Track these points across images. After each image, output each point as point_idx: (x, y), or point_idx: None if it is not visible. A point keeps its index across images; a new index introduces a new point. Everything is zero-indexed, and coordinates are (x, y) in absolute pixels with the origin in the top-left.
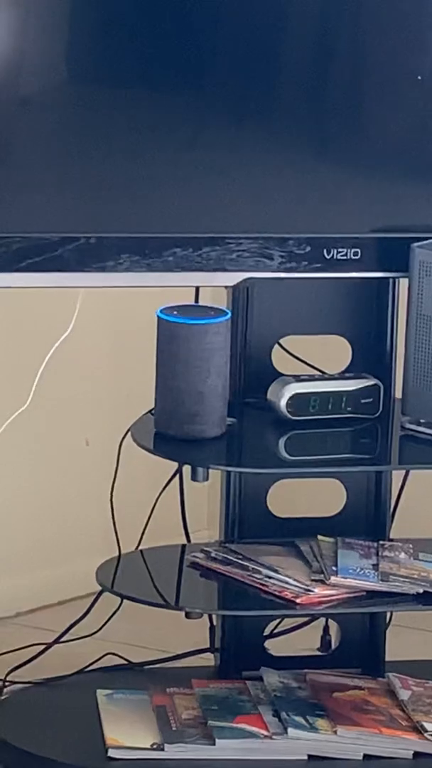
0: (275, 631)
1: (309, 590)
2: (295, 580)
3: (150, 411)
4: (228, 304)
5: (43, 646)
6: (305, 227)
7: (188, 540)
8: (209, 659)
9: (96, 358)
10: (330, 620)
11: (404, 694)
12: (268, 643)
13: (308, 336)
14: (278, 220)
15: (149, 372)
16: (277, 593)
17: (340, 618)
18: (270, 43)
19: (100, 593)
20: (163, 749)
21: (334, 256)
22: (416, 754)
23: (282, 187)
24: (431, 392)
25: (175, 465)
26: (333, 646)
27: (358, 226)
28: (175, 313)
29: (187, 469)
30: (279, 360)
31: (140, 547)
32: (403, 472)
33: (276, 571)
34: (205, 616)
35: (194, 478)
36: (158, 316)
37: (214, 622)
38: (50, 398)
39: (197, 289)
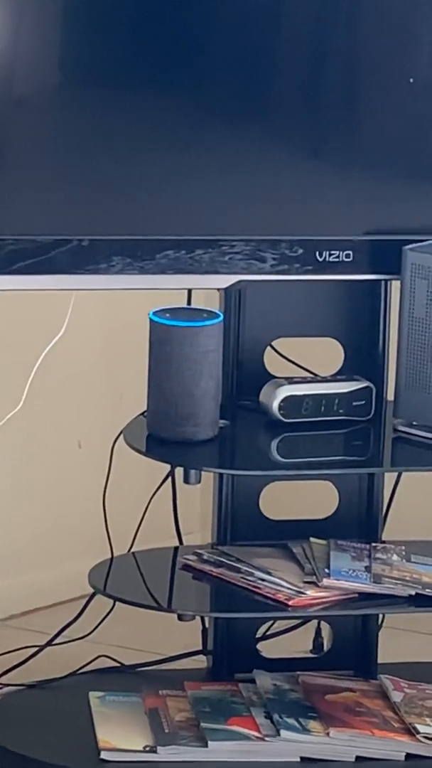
0: (268, 633)
1: (301, 592)
2: (287, 582)
3: (142, 413)
4: (220, 306)
5: (35, 649)
6: (297, 230)
7: (180, 542)
8: (202, 661)
9: (88, 360)
10: (322, 622)
11: (396, 696)
12: (260, 645)
13: (300, 338)
14: (271, 222)
15: (142, 374)
16: (269, 595)
17: (332, 620)
18: (264, 45)
19: (92, 595)
20: (155, 751)
21: (327, 259)
22: (408, 756)
23: (274, 189)
24: (423, 394)
25: (167, 467)
26: (325, 648)
27: (351, 229)
28: (167, 315)
29: (179, 472)
30: (271, 362)
31: (133, 550)
32: (396, 474)
33: (268, 573)
34: (198, 619)
35: (186, 480)
36: (151, 319)
37: (207, 625)
38: (43, 400)
39: (189, 291)
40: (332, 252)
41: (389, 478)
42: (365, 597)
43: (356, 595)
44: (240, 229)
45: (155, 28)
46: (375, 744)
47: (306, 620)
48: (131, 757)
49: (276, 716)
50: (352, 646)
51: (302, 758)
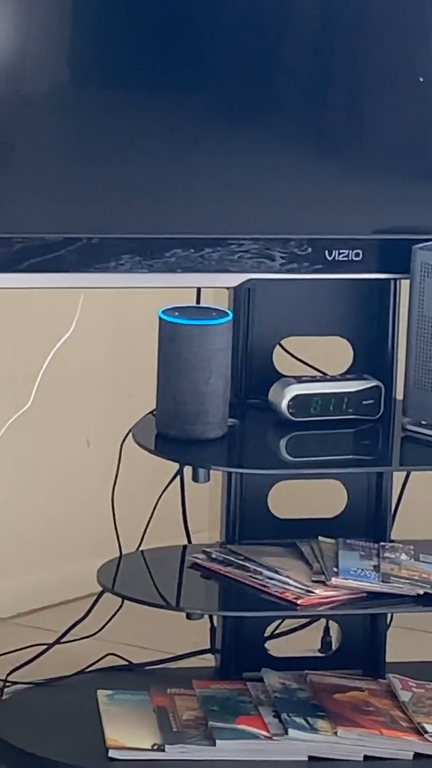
0: (276, 632)
1: (310, 591)
2: (295, 581)
3: (151, 412)
4: (229, 305)
5: (44, 647)
6: (307, 228)
7: (189, 541)
8: (210, 660)
9: (97, 358)
10: (331, 621)
11: (405, 696)
12: (268, 644)
13: (309, 337)
14: (280, 221)
15: (150, 373)
16: (277, 594)
17: (340, 619)
18: (271, 44)
19: (101, 594)
20: (163, 750)
21: (336, 258)
22: (417, 756)
23: (284, 188)
24: None
25: (176, 466)
26: (334, 648)
27: (360, 228)
28: (176, 314)
29: (188, 470)
30: (280, 361)
31: (141, 548)
32: (404, 473)
33: (277, 572)
34: (206, 617)
35: (195, 478)
36: (160, 317)
37: (215, 623)
38: (52, 399)
39: (199, 290)
40: (341, 251)
41: (398, 477)
42: (373, 596)
43: (365, 594)
44: (249, 228)
45: (165, 27)
46: (383, 743)
47: (314, 619)
48: (139, 755)
49: (284, 715)
50: (360, 645)
51: (310, 757)
